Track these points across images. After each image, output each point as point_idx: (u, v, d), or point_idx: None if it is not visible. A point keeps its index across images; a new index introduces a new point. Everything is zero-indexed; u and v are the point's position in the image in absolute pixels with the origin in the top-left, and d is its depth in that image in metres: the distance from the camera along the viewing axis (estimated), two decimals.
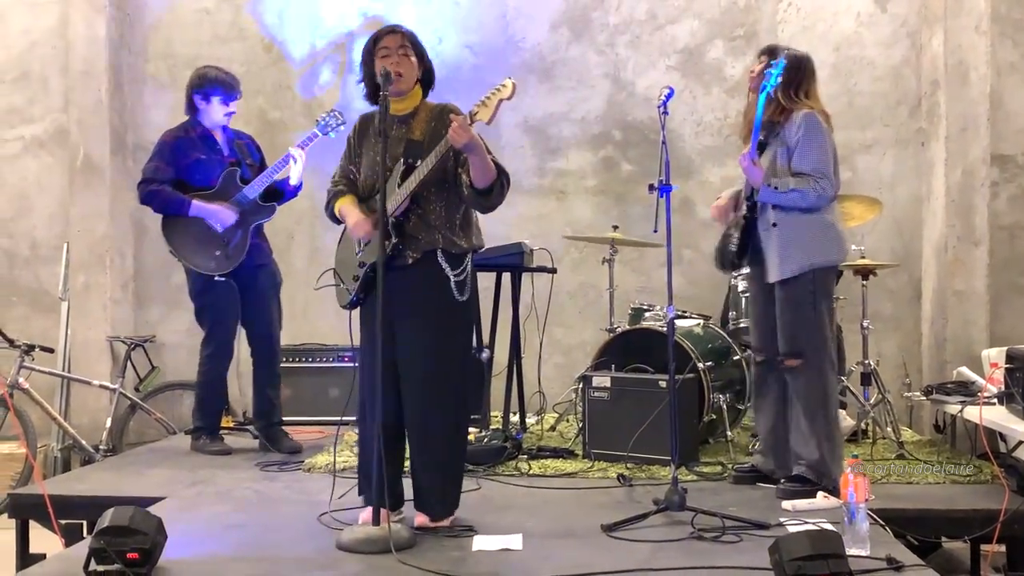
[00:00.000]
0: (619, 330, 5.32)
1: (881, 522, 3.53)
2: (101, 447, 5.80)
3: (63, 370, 6.33)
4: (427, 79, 3.68)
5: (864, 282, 5.26)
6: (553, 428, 5.61)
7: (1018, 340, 5.21)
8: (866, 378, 5.15)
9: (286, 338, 5.37)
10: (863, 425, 5.22)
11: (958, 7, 5.82)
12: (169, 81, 6.69)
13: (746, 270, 4.51)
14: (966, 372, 5.31)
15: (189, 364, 6.11)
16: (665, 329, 4.26)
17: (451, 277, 3.53)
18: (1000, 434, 4.74)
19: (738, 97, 6.25)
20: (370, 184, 3.59)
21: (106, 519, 2.99)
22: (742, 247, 4.19)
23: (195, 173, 5.04)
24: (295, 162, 5.05)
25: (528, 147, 6.64)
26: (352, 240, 3.68)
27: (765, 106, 4.04)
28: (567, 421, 5.71)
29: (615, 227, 5.74)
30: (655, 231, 4.08)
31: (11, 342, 5.65)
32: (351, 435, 5.08)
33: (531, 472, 4.56)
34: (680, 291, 5.41)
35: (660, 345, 4.49)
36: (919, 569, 3.08)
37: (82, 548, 3.13)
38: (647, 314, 5.43)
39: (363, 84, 3.67)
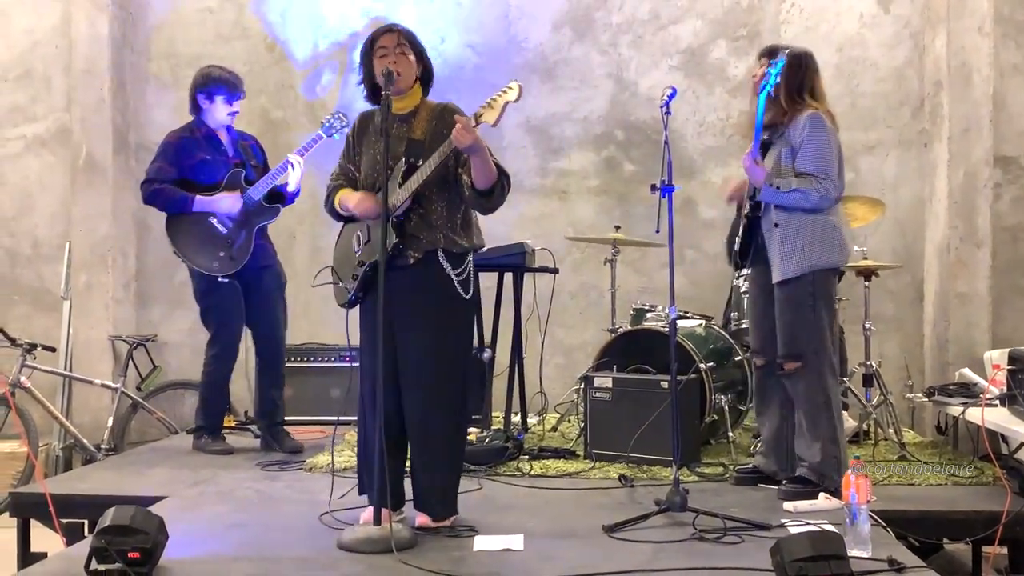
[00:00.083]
0: (621, 331, 5.32)
1: (883, 523, 3.52)
2: (103, 446, 5.80)
3: (65, 369, 6.34)
4: (426, 77, 3.66)
5: (866, 283, 5.26)
6: (554, 428, 5.61)
7: (1020, 342, 5.19)
8: (868, 379, 5.14)
9: (287, 337, 5.37)
10: (865, 426, 5.22)
11: (961, 8, 5.81)
12: (172, 80, 6.69)
13: (747, 271, 4.50)
14: (968, 374, 5.30)
15: (191, 363, 6.14)
16: (667, 330, 4.25)
17: (453, 277, 3.52)
18: (1002, 436, 4.74)
19: (740, 97, 6.26)
20: (370, 182, 3.58)
21: (107, 518, 2.99)
22: (744, 247, 4.19)
23: (200, 173, 5.04)
24: (293, 168, 5.04)
25: (530, 147, 6.64)
26: (351, 238, 3.67)
27: (767, 107, 4.04)
28: (568, 421, 5.70)
29: (617, 227, 5.74)
30: (657, 231, 4.07)
31: (13, 341, 5.65)
32: (351, 434, 5.07)
33: (532, 472, 4.56)
34: (682, 292, 5.42)
35: (662, 346, 4.49)
36: (920, 571, 3.08)
37: (83, 547, 3.12)
38: (649, 315, 5.42)
39: (363, 85, 3.65)
